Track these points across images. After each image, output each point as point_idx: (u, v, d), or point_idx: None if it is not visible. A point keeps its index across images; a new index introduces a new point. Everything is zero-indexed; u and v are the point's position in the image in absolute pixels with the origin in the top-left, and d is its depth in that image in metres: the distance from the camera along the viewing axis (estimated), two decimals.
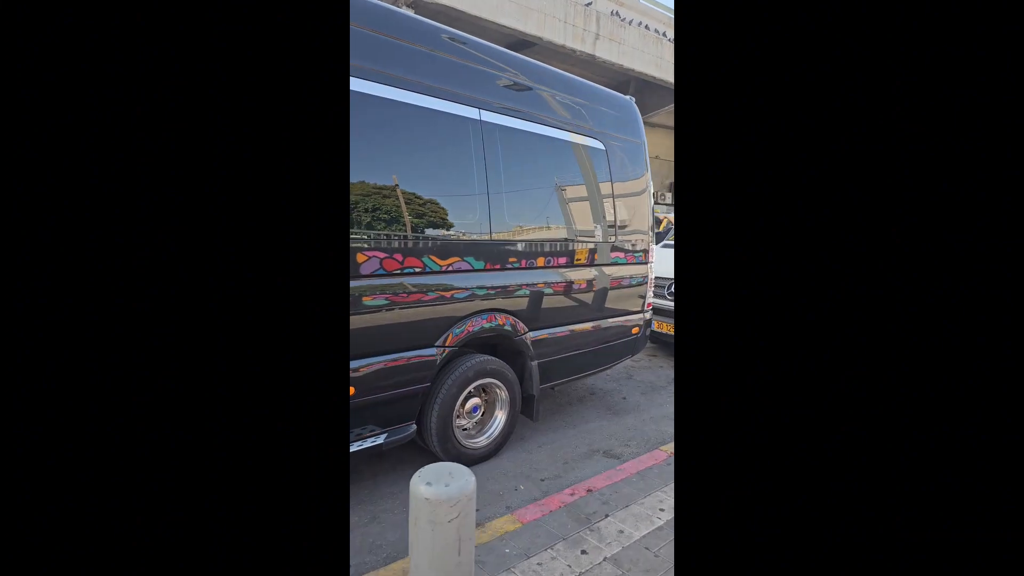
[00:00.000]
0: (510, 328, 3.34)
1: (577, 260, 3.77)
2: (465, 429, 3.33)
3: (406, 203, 2.81)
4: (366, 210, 2.65)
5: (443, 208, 3.00)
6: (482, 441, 3.40)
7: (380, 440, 2.83)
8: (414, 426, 2.99)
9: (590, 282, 3.89)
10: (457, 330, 3.06)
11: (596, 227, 3.96)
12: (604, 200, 3.98)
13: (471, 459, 3.27)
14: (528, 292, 3.43)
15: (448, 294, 2.99)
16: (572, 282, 3.75)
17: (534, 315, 3.50)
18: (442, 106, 2.99)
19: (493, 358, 3.30)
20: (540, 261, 3.49)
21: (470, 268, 3.08)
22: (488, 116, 3.22)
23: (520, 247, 3.39)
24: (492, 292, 3.21)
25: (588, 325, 3.92)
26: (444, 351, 3.00)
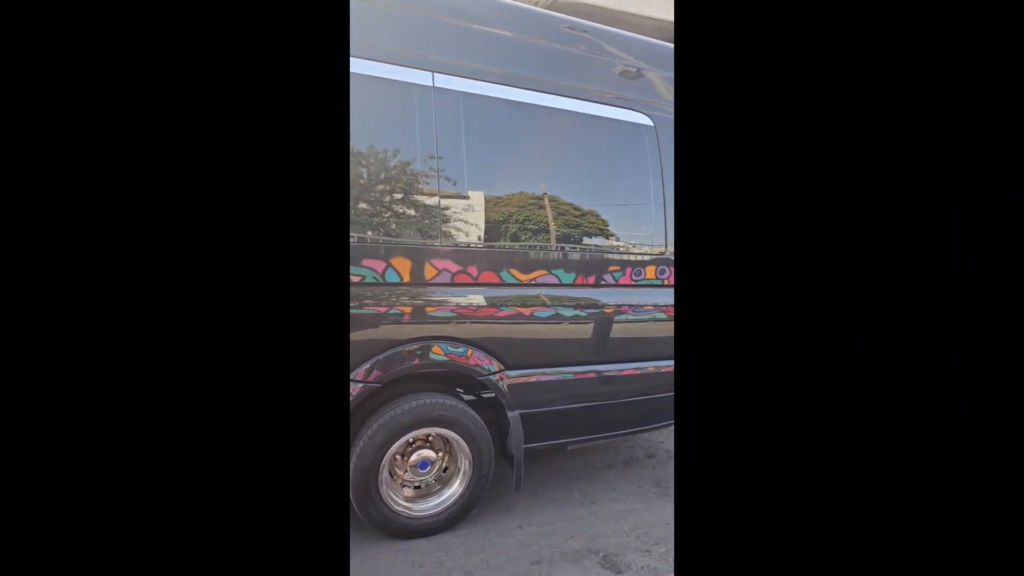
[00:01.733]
0: (476, 365, 2.57)
1: (610, 275, 2.88)
2: (418, 487, 2.62)
3: None
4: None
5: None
6: (430, 508, 2.58)
7: None
8: None
9: (621, 308, 2.90)
10: (377, 361, 2.38)
11: (647, 230, 3.00)
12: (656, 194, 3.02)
13: (409, 529, 2.52)
14: (512, 316, 2.63)
15: (371, 312, 2.36)
16: (598, 306, 2.82)
17: (519, 348, 2.66)
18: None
19: (449, 401, 2.55)
20: (534, 274, 2.67)
21: (396, 282, 2.39)
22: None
23: (508, 255, 2.62)
24: (445, 314, 2.47)
25: (617, 368, 2.90)
26: (358, 388, 2.36)
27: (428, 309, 2.46)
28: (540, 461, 3.43)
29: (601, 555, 2.47)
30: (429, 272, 2.46)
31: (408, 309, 2.42)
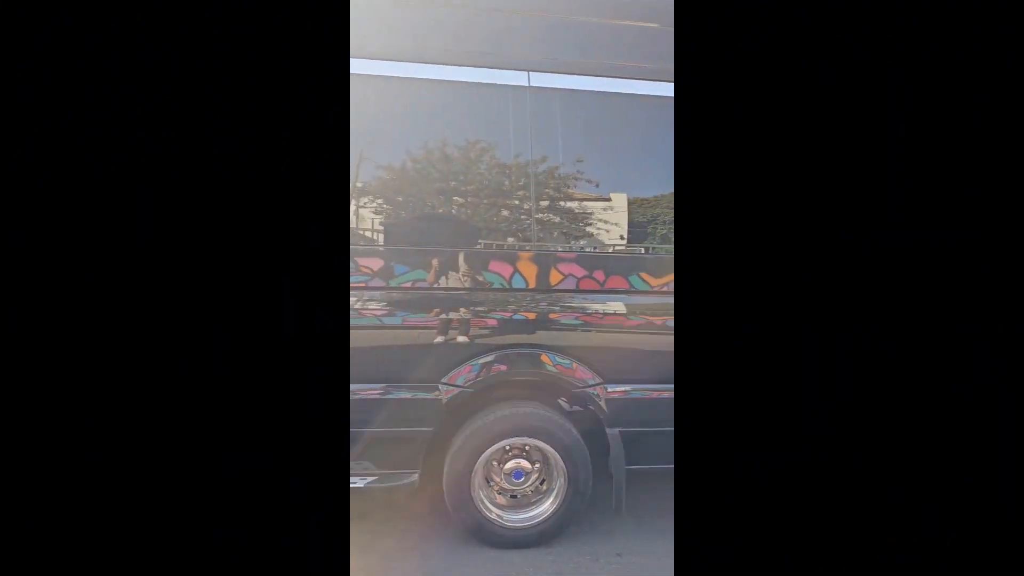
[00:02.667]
0: (574, 377, 2.46)
1: None
2: (513, 496, 2.56)
3: None
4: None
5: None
6: (522, 519, 2.50)
7: (361, 483, 2.42)
8: (415, 476, 2.44)
9: None
10: (474, 367, 2.40)
11: None
12: None
13: (500, 538, 2.49)
14: (605, 325, 2.50)
15: (469, 319, 2.39)
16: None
17: (621, 360, 2.52)
18: None
19: (544, 412, 2.46)
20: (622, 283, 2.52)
21: (503, 287, 2.41)
22: None
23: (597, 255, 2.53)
24: (534, 320, 2.43)
25: None
26: (454, 391, 2.41)
27: (551, 315, 2.44)
28: (654, 485, 3.14)
29: None
30: (555, 277, 2.45)
31: (531, 316, 2.44)
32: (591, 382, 2.48)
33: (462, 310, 2.39)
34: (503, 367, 2.41)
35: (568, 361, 2.47)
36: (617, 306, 2.52)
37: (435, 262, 2.38)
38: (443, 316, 2.39)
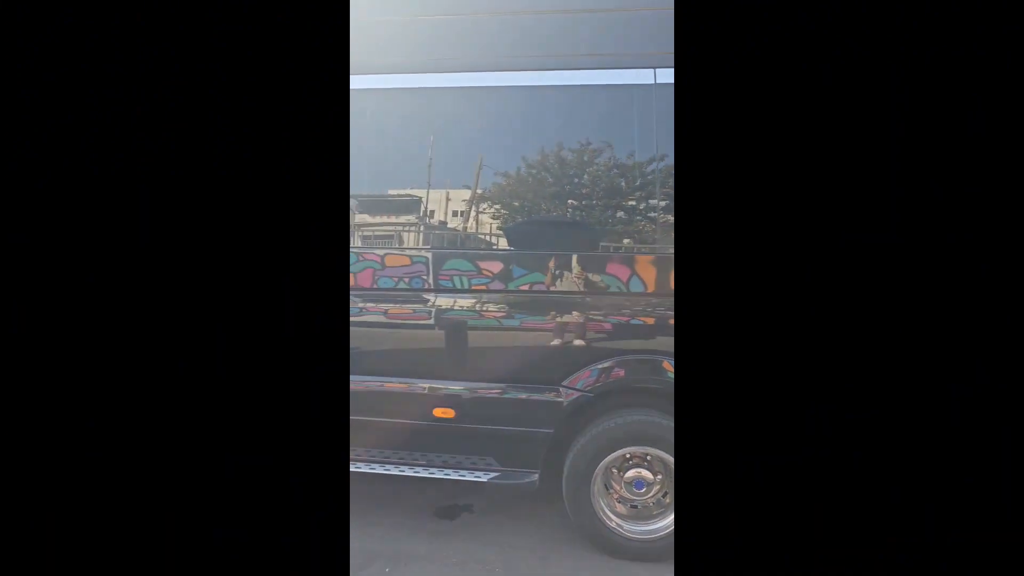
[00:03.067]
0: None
1: None
2: (635, 507, 2.50)
3: None
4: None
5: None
6: (642, 531, 2.46)
7: (484, 478, 2.44)
8: (535, 476, 2.43)
9: None
10: (593, 371, 2.37)
11: None
12: None
13: (619, 548, 2.45)
14: None
15: (587, 323, 2.38)
16: None
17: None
18: None
19: (664, 421, 2.38)
20: None
21: (620, 291, 2.37)
22: None
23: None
24: (653, 325, 2.38)
25: None
26: (574, 394, 2.39)
27: (671, 321, 2.35)
28: None
29: None
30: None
31: (650, 320, 2.39)
32: None
33: (576, 313, 2.40)
34: (622, 373, 2.39)
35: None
36: None
37: (551, 264, 2.39)
38: (560, 319, 2.40)
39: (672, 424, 2.38)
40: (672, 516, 2.46)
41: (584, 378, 2.39)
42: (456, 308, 2.51)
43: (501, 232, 2.48)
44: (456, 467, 2.55)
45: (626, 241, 2.43)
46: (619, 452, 2.42)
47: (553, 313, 2.40)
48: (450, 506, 2.95)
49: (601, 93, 2.40)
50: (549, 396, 2.41)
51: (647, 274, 2.39)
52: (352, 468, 2.73)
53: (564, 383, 2.39)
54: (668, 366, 2.38)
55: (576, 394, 2.39)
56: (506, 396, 2.45)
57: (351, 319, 2.60)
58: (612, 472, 2.50)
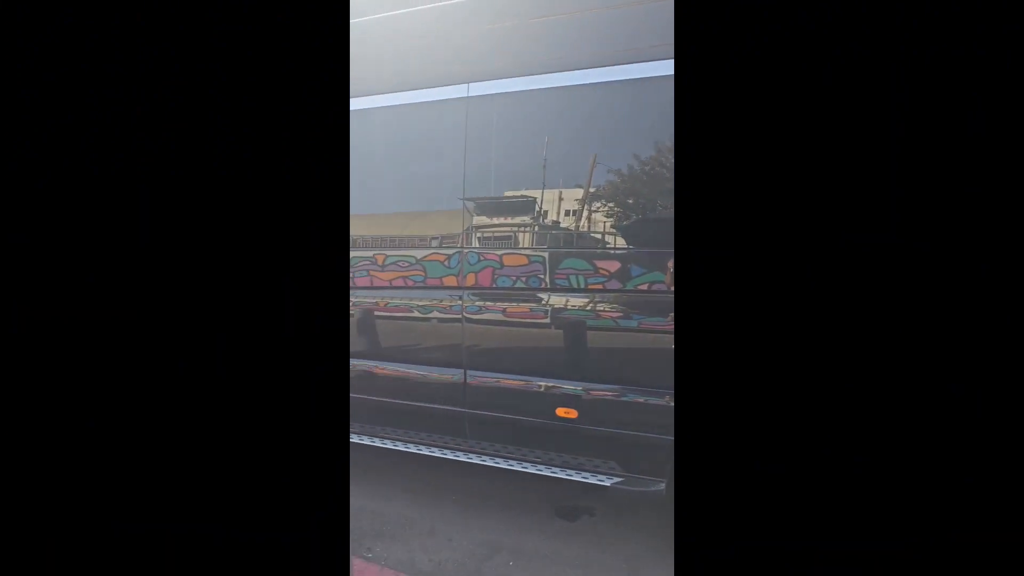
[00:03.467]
0: None
1: None
2: None
3: None
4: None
5: None
6: None
7: (607, 482, 2.39)
8: (663, 485, 2.35)
9: None
10: None
11: None
12: None
13: None
14: None
15: None
16: None
17: None
18: None
19: None
20: None
21: None
22: None
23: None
24: None
25: None
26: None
27: None
28: None
29: None
30: None
31: None
32: None
33: None
34: None
35: None
36: None
37: (670, 264, 2.31)
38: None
39: None
40: None
41: None
42: (572, 307, 2.51)
43: (617, 231, 2.45)
44: (578, 468, 2.52)
45: None
46: None
47: (673, 314, 2.30)
48: (571, 507, 2.92)
49: None
50: (667, 401, 2.30)
51: None
52: (476, 460, 2.77)
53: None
54: None
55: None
56: (623, 399, 2.40)
57: (472, 316, 2.67)
58: None
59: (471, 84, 2.66)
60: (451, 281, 2.73)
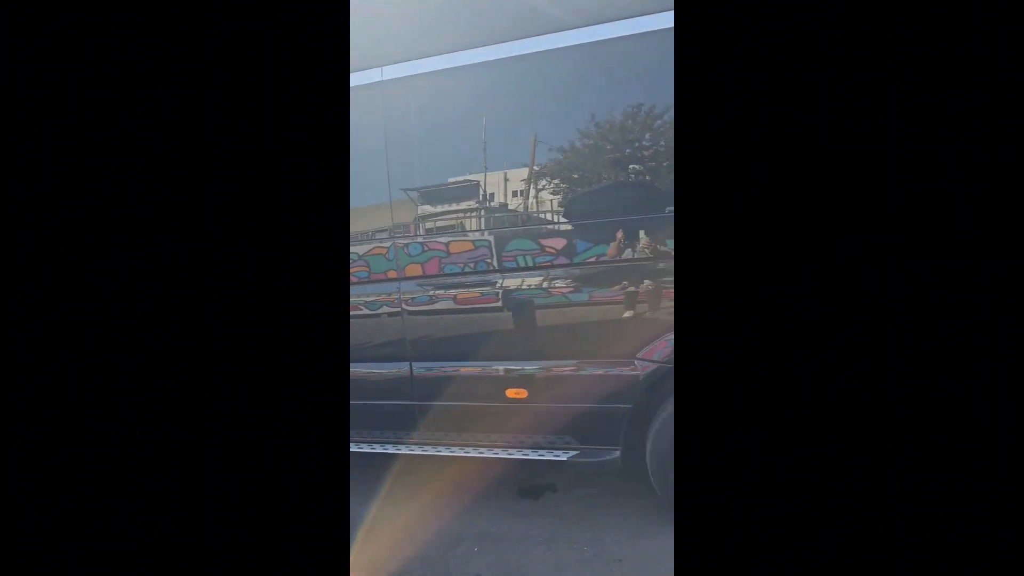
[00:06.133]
0: None
1: None
2: None
3: None
4: None
5: None
6: None
7: (564, 457, 2.42)
8: (617, 452, 2.41)
9: None
10: (670, 341, 2.29)
11: None
12: None
13: None
14: None
15: (657, 290, 2.29)
16: None
17: None
18: None
19: None
20: None
21: None
22: None
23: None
24: None
25: None
26: (651, 366, 2.32)
27: None
28: None
29: None
30: None
31: None
32: None
33: (647, 282, 2.30)
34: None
35: None
36: None
37: (619, 235, 2.31)
38: (629, 289, 2.31)
39: None
40: None
41: (661, 348, 2.29)
42: (521, 288, 2.48)
43: (560, 207, 2.42)
44: (535, 447, 2.52)
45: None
46: None
47: (621, 284, 2.32)
48: (533, 486, 2.94)
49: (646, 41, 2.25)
50: (624, 370, 2.33)
51: None
52: (432, 452, 2.76)
53: (639, 355, 2.30)
54: None
55: (653, 366, 2.29)
56: (580, 373, 2.40)
57: (422, 307, 2.61)
58: None
59: (384, 68, 2.58)
60: (392, 274, 2.72)
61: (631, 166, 2.39)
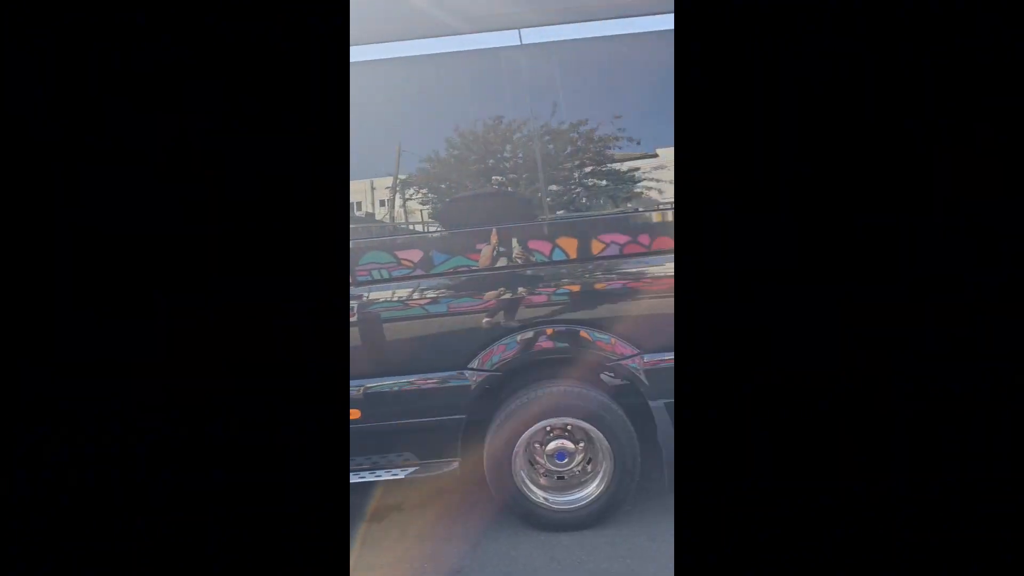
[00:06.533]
0: (607, 351, 2.34)
1: None
2: (561, 478, 2.48)
3: None
4: None
5: None
6: (568, 501, 2.44)
7: (403, 475, 2.41)
8: (455, 463, 2.41)
9: None
10: (508, 345, 2.31)
11: None
12: None
13: (548, 521, 2.43)
14: (643, 291, 2.34)
15: (495, 299, 2.32)
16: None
17: (656, 326, 2.32)
18: None
19: (580, 390, 2.35)
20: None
21: (535, 262, 2.31)
22: None
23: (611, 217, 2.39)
24: (570, 294, 2.34)
25: None
26: (482, 375, 2.35)
27: (584, 288, 2.36)
28: None
29: None
30: (596, 247, 2.34)
31: (573, 288, 2.36)
32: (629, 353, 2.34)
33: (500, 290, 2.33)
34: (539, 346, 2.34)
35: (606, 335, 2.34)
36: (657, 269, 2.36)
37: (479, 246, 2.32)
38: (456, 302, 2.34)
39: (588, 392, 2.36)
40: (595, 482, 2.44)
41: (491, 357, 2.34)
42: (374, 302, 2.41)
43: (423, 217, 2.41)
44: (372, 468, 2.47)
45: (539, 213, 2.35)
46: (539, 425, 2.37)
47: (475, 293, 2.33)
48: (379, 508, 2.84)
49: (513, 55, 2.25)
50: (454, 382, 2.35)
51: (566, 244, 2.32)
52: None
53: (470, 365, 2.34)
54: (585, 334, 2.33)
55: (483, 375, 2.34)
56: (412, 388, 2.38)
57: None
58: (535, 447, 2.45)
59: None
60: None
61: (494, 177, 2.39)
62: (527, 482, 2.43)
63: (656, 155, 2.40)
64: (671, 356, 2.32)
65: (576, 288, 2.35)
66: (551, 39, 2.27)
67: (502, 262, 2.32)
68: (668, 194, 2.37)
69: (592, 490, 2.43)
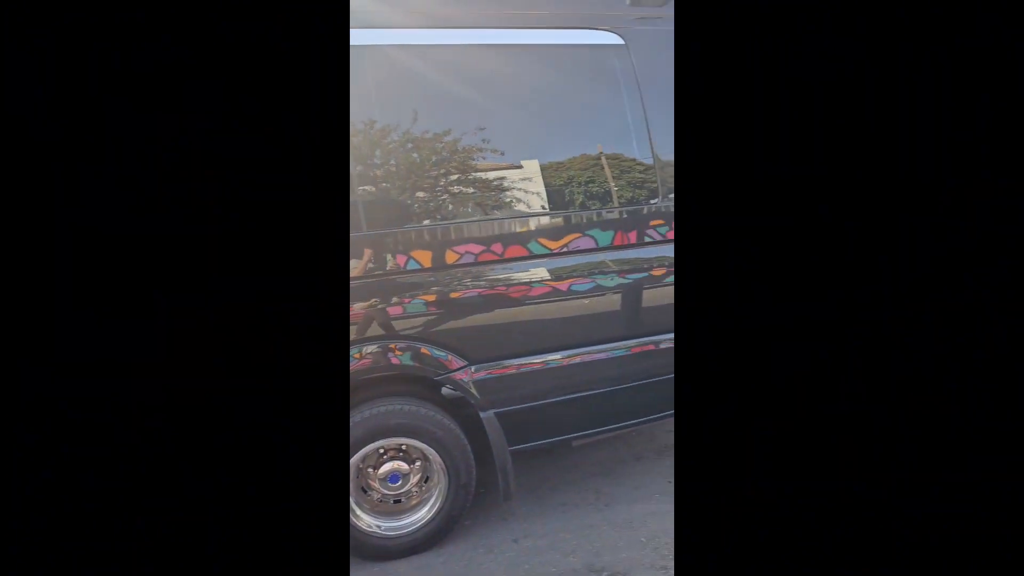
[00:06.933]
0: (432, 364, 2.26)
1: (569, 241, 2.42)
2: (398, 502, 2.35)
3: None
4: None
5: None
6: (401, 526, 2.31)
7: None
8: None
9: (601, 280, 2.46)
10: None
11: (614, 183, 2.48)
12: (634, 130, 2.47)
13: (382, 550, 2.29)
14: (465, 299, 2.29)
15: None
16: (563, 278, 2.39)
17: (480, 337, 2.31)
18: None
19: (409, 407, 2.25)
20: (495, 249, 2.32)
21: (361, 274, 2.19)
22: None
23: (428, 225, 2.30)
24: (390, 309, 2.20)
25: (606, 350, 2.46)
26: None
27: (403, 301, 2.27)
28: (552, 459, 3.04)
29: (605, 574, 2.11)
30: (450, 257, 2.27)
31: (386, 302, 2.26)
32: (456, 366, 2.28)
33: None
34: (357, 365, 2.18)
35: (432, 347, 2.26)
36: (509, 276, 2.33)
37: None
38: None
39: (414, 408, 2.26)
40: (430, 501, 2.33)
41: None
42: None
43: None
44: None
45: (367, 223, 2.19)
46: (366, 449, 2.22)
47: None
48: None
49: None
50: None
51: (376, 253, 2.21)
52: None
53: None
54: (404, 348, 2.23)
55: None
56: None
57: None
58: (369, 472, 2.30)
59: None
60: None
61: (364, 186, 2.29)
62: (355, 511, 2.27)
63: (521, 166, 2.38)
64: (498, 366, 2.33)
65: (432, 298, 2.27)
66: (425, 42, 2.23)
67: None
68: (522, 206, 2.36)
69: (427, 511, 2.33)
